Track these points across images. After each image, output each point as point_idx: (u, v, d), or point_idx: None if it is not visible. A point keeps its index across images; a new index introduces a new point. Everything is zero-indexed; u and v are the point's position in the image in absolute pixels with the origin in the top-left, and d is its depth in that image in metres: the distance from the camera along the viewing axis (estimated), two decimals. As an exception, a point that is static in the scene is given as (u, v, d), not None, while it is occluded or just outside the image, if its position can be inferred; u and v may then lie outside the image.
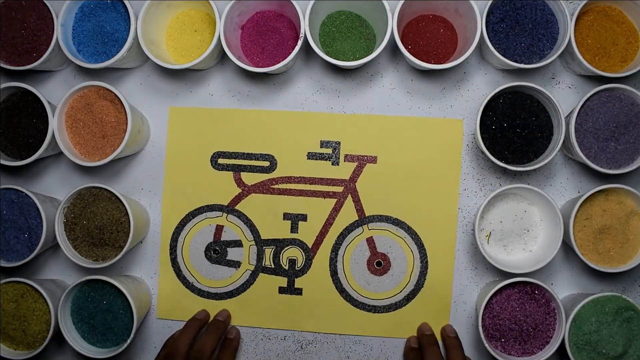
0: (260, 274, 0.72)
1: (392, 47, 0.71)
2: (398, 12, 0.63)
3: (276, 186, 0.72)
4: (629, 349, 0.63)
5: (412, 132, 0.71)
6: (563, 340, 0.64)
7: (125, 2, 0.67)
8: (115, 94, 0.66)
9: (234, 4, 0.65)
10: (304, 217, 0.71)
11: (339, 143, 0.71)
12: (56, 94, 0.72)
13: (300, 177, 0.71)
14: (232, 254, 0.72)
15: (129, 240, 0.66)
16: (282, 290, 0.71)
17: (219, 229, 0.72)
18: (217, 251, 0.72)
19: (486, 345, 0.64)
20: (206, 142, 0.72)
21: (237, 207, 0.72)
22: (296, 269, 0.71)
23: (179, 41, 0.71)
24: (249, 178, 0.72)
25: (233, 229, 0.72)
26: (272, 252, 0.72)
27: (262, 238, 0.72)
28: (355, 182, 0.71)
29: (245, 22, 0.70)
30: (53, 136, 0.66)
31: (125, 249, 0.66)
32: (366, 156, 0.71)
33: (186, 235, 0.72)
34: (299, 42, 0.65)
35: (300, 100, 0.72)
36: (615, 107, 0.64)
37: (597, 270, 0.64)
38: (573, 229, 0.64)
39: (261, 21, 0.69)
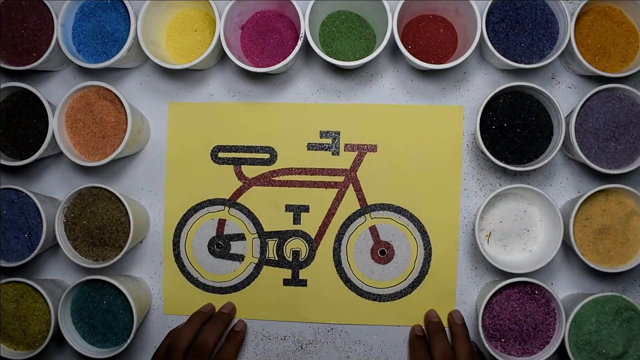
0: (265, 267, 0.72)
1: (392, 47, 0.71)
2: (398, 12, 0.63)
3: (277, 178, 0.72)
4: (629, 349, 0.63)
5: (412, 120, 0.71)
6: (563, 340, 0.64)
7: (125, 2, 0.67)
8: (115, 94, 0.66)
9: (234, 4, 0.65)
10: (306, 208, 0.71)
11: (339, 133, 0.71)
12: (56, 94, 0.72)
13: (300, 168, 0.72)
14: (236, 247, 0.72)
15: (129, 240, 0.66)
16: (286, 282, 0.72)
17: (222, 223, 0.72)
18: (220, 245, 0.72)
19: (486, 345, 0.64)
20: (206, 137, 0.72)
21: (238, 201, 0.72)
22: (300, 260, 0.72)
23: (179, 41, 0.71)
24: (250, 171, 0.72)
25: (235, 223, 0.72)
26: (276, 244, 0.72)
27: (264, 230, 0.72)
28: (356, 171, 0.71)
29: (245, 22, 0.70)
30: (53, 136, 0.66)
31: (125, 249, 0.66)
32: (366, 145, 0.71)
33: (189, 230, 0.72)
34: (299, 42, 0.65)
35: (300, 100, 0.72)
36: (615, 107, 0.64)
37: (597, 270, 0.64)
38: (573, 229, 0.64)
39: (261, 21, 0.69)
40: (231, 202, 0.72)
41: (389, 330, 0.71)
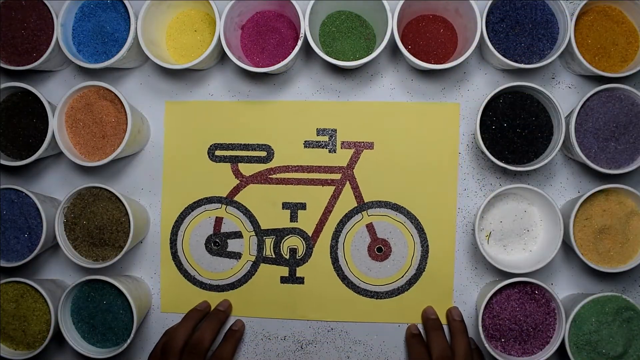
0: (262, 265, 0.72)
1: (392, 47, 0.71)
2: (398, 12, 0.63)
3: (274, 176, 0.72)
4: (629, 349, 0.63)
5: (408, 117, 0.71)
6: (563, 340, 0.64)
7: (125, 2, 0.67)
8: (115, 94, 0.66)
9: (234, 4, 0.65)
10: (303, 206, 0.71)
11: (335, 130, 0.71)
12: (56, 94, 0.72)
13: (297, 165, 0.72)
14: (233, 245, 0.72)
15: (129, 240, 0.66)
16: (283, 279, 0.72)
17: (219, 220, 0.72)
18: (217, 243, 0.72)
19: (486, 345, 0.64)
20: (203, 135, 0.72)
21: (235, 199, 0.72)
22: (297, 258, 0.72)
23: (179, 41, 0.71)
24: (247, 169, 0.72)
25: (233, 221, 0.72)
26: (273, 242, 0.72)
27: (262, 228, 0.72)
28: (353, 168, 0.71)
29: (245, 22, 0.70)
30: (53, 136, 0.66)
31: (125, 249, 0.66)
32: (363, 142, 0.71)
33: (186, 228, 0.73)
34: (299, 42, 0.65)
35: (300, 100, 0.72)
36: (615, 107, 0.64)
37: (597, 270, 0.64)
38: (573, 229, 0.64)
39: (261, 21, 0.69)
40: (228, 200, 0.72)
41: (389, 330, 0.71)
